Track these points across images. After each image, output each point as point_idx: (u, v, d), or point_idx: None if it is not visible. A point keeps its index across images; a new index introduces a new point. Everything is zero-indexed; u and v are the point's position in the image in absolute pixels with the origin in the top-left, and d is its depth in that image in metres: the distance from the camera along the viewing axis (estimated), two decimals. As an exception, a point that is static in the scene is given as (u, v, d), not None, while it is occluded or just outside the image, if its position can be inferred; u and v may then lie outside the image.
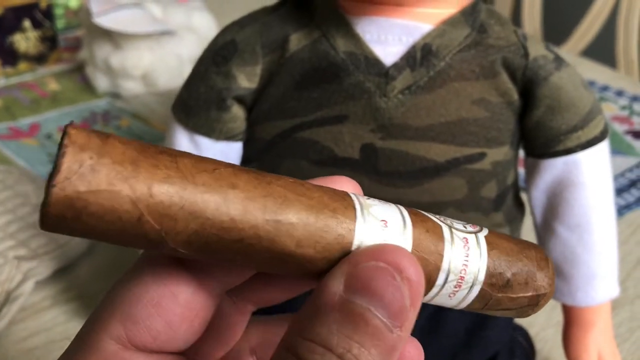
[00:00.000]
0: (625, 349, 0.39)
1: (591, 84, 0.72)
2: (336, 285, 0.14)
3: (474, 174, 0.30)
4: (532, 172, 0.32)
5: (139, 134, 0.60)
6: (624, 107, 0.68)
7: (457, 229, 0.16)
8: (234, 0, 0.85)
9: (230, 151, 0.32)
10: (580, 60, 0.79)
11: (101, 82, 0.64)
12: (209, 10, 0.69)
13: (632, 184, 0.55)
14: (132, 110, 0.63)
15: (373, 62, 0.29)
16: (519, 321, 0.38)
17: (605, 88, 0.72)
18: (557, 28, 0.88)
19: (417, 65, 0.29)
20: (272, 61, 0.30)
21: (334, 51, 0.29)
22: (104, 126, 0.60)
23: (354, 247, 0.15)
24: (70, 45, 0.75)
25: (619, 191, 0.54)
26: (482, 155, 0.30)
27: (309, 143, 0.30)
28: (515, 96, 0.30)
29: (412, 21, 0.29)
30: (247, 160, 0.33)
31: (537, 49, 0.30)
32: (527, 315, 0.18)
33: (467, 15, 0.29)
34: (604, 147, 0.31)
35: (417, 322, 0.23)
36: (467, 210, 0.30)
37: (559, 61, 0.30)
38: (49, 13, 0.69)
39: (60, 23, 0.77)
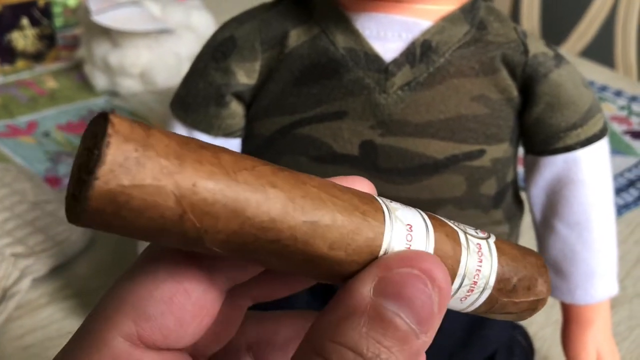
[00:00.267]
0: (624, 348, 0.39)
1: (590, 84, 0.72)
2: (366, 289, 0.14)
3: (473, 171, 0.30)
4: (531, 169, 0.32)
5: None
6: (622, 107, 0.68)
7: (470, 235, 0.17)
8: None
9: (229, 147, 0.32)
10: (578, 61, 0.79)
11: (99, 80, 0.64)
12: (207, 9, 0.69)
13: (631, 183, 0.55)
14: (130, 108, 0.63)
15: (372, 58, 0.29)
16: (518, 320, 0.38)
17: (603, 88, 0.72)
18: (555, 28, 0.88)
19: (416, 62, 0.29)
20: (271, 57, 0.30)
21: (334, 47, 0.29)
22: (102, 124, 0.60)
23: (382, 250, 0.15)
24: (68, 44, 0.74)
25: (618, 191, 0.54)
26: (481, 152, 0.30)
27: (308, 139, 0.30)
28: (514, 93, 0.30)
29: (412, 17, 0.29)
30: (246, 156, 0.33)
31: (537, 46, 0.30)
32: (524, 319, 0.18)
33: (467, 12, 0.29)
34: (603, 144, 0.31)
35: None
36: (466, 207, 0.30)
37: (558, 58, 0.30)
38: (47, 11, 0.69)
39: (58, 21, 0.77)
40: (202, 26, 0.66)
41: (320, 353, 0.14)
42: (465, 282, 0.16)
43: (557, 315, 0.36)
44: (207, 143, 0.14)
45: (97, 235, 0.46)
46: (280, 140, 0.31)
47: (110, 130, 0.12)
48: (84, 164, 0.13)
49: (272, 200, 0.14)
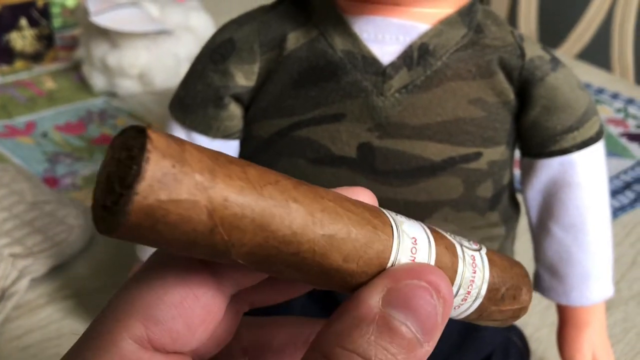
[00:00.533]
0: (619, 350, 0.39)
1: (587, 86, 0.73)
2: (375, 299, 0.15)
3: (470, 174, 0.30)
4: (527, 172, 0.32)
5: (135, 133, 0.59)
6: (619, 110, 0.68)
7: (466, 247, 0.18)
8: (231, 0, 0.85)
9: (227, 149, 0.32)
10: (575, 63, 0.79)
11: (98, 81, 0.64)
12: (206, 10, 0.69)
13: (627, 186, 0.56)
14: (129, 109, 0.63)
15: (370, 61, 0.29)
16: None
17: (600, 91, 0.72)
18: (553, 31, 0.89)
19: (414, 65, 0.29)
20: (270, 59, 0.30)
21: (332, 50, 0.29)
22: (100, 125, 0.60)
23: (389, 262, 0.16)
24: (66, 44, 0.75)
25: (614, 193, 0.54)
26: (478, 155, 0.30)
27: (306, 141, 0.30)
28: (511, 96, 0.30)
29: (409, 21, 0.29)
30: (244, 158, 0.33)
31: (533, 49, 0.30)
32: (507, 325, 0.20)
33: (464, 15, 0.30)
34: (599, 147, 0.31)
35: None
36: (463, 209, 0.31)
37: (555, 62, 0.31)
38: (45, 11, 0.69)
39: (56, 22, 0.77)
40: (201, 27, 0.67)
41: (329, 359, 0.14)
42: (460, 291, 0.17)
43: (552, 317, 0.36)
44: (234, 157, 0.14)
45: (95, 236, 0.46)
46: (278, 142, 0.31)
47: (149, 146, 0.12)
48: (118, 176, 0.13)
49: (294, 215, 0.14)
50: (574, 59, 0.82)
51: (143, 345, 0.15)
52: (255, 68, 0.30)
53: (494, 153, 0.30)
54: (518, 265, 0.19)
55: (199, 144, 0.34)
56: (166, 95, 0.63)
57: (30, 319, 0.39)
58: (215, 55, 0.31)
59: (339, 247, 0.15)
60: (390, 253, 0.16)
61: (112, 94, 0.65)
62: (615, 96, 0.71)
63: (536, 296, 0.34)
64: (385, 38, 0.29)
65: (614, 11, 0.82)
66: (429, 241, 0.16)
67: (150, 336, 0.15)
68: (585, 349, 0.33)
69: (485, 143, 0.30)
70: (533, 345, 0.38)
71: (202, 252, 0.14)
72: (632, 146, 0.62)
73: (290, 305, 0.20)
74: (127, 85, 0.64)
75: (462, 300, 0.17)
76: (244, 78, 0.31)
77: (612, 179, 0.56)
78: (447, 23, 0.29)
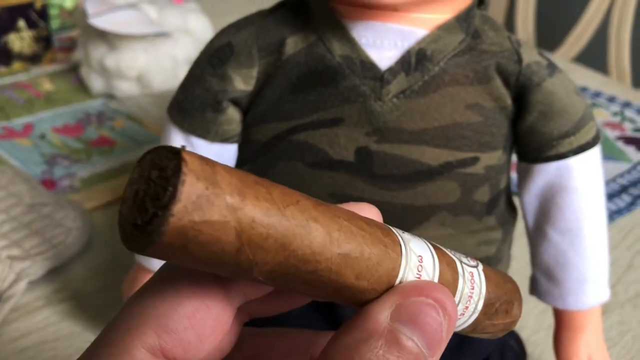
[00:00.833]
0: (615, 353, 0.39)
1: (583, 90, 0.73)
2: (384, 314, 0.16)
3: (467, 178, 0.30)
4: (524, 176, 0.33)
5: (132, 136, 0.60)
6: (615, 114, 0.69)
7: (465, 264, 0.18)
8: (230, 3, 0.85)
9: (225, 153, 0.32)
10: (572, 67, 0.79)
11: (95, 83, 0.64)
12: (204, 13, 0.69)
13: (623, 189, 0.56)
14: (127, 111, 0.63)
15: (368, 66, 0.29)
16: (511, 324, 0.38)
17: (597, 94, 0.73)
18: (550, 34, 0.89)
19: (411, 70, 0.29)
20: (269, 64, 0.30)
21: (330, 55, 0.29)
22: (98, 127, 0.60)
23: (397, 280, 0.16)
24: (64, 46, 0.75)
25: (610, 196, 0.54)
26: (475, 160, 0.30)
27: (304, 145, 0.30)
28: (508, 101, 0.30)
29: (407, 26, 0.29)
30: (242, 162, 0.33)
31: (530, 55, 0.30)
32: (496, 337, 0.20)
33: (462, 21, 0.30)
34: (595, 152, 0.32)
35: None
36: (460, 213, 0.31)
37: (552, 67, 0.31)
38: (43, 13, 0.69)
39: (54, 23, 0.77)
40: (199, 30, 0.67)
41: None
42: (460, 307, 0.18)
43: (549, 320, 0.37)
44: (258, 178, 0.15)
45: (93, 238, 0.46)
46: (276, 146, 0.31)
47: (185, 169, 0.13)
48: (150, 195, 0.13)
49: (314, 234, 0.15)
50: (571, 63, 0.82)
51: (155, 355, 0.15)
52: (254, 72, 0.31)
53: (491, 158, 0.30)
54: (510, 280, 0.20)
55: (197, 147, 0.34)
56: (164, 98, 0.63)
57: (28, 321, 0.39)
58: (213, 59, 0.31)
59: (352, 265, 0.15)
60: (399, 271, 0.16)
61: (110, 96, 0.65)
62: (611, 99, 0.72)
63: (532, 300, 0.35)
64: (383, 43, 0.29)
65: (611, 15, 0.82)
66: (434, 259, 0.17)
67: (162, 346, 0.15)
68: (581, 352, 0.33)
69: (482, 148, 0.30)
70: (529, 348, 0.39)
71: (225, 270, 0.14)
72: (629, 149, 0.62)
73: (290, 314, 0.20)
74: (125, 88, 0.64)
75: (460, 315, 0.18)
76: (242, 82, 0.31)
77: (609, 182, 0.56)
78: (444, 29, 0.29)
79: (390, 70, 0.29)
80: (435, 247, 0.18)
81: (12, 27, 0.68)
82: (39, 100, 0.65)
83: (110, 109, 0.64)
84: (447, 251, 0.18)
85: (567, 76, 0.31)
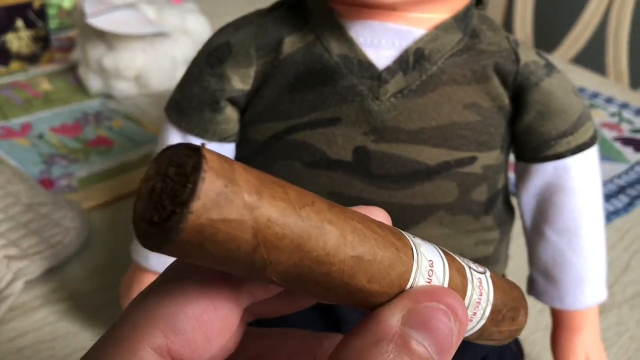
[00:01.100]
0: (612, 353, 0.39)
1: (581, 90, 0.73)
2: (395, 319, 0.16)
3: (464, 178, 0.30)
4: (522, 176, 0.33)
5: (130, 135, 0.59)
6: (613, 114, 0.69)
7: (473, 270, 0.18)
8: (228, 3, 0.85)
9: (223, 152, 0.32)
10: (570, 67, 0.79)
11: (94, 83, 0.64)
12: (202, 13, 0.69)
13: (621, 190, 0.56)
14: (125, 111, 0.63)
15: (366, 65, 0.29)
16: (508, 324, 0.38)
17: (595, 95, 0.73)
18: (548, 36, 0.89)
19: (409, 69, 0.29)
20: (266, 63, 0.30)
21: (328, 54, 0.29)
22: (96, 127, 0.60)
23: (409, 284, 0.16)
24: (62, 46, 0.74)
25: (608, 197, 0.54)
26: (473, 159, 0.30)
27: (302, 145, 0.30)
28: (506, 101, 0.30)
29: (405, 26, 0.29)
30: (240, 161, 0.33)
31: (528, 54, 0.30)
32: (503, 343, 0.20)
33: (459, 20, 0.30)
34: (593, 152, 0.32)
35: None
36: (457, 213, 0.31)
37: (549, 67, 0.31)
38: (42, 13, 0.69)
39: (53, 23, 0.77)
40: (198, 30, 0.67)
41: None
42: (468, 313, 0.18)
43: (547, 320, 0.37)
44: (275, 178, 0.15)
45: (90, 238, 0.46)
46: (274, 146, 0.31)
47: (205, 166, 0.13)
48: (167, 193, 0.13)
49: (328, 236, 0.15)
50: (569, 63, 0.82)
51: (162, 355, 0.15)
52: (252, 72, 0.31)
53: (489, 157, 0.30)
54: (517, 288, 0.20)
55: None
56: (162, 98, 0.63)
57: (25, 321, 0.39)
58: (211, 58, 0.31)
59: (365, 268, 0.15)
60: (410, 275, 0.16)
61: (108, 96, 0.65)
62: (609, 100, 0.72)
63: (530, 299, 0.34)
64: (381, 43, 0.29)
65: (608, 16, 0.83)
66: (444, 264, 0.17)
67: (170, 346, 0.15)
68: (578, 352, 0.33)
69: (480, 147, 0.30)
70: (527, 348, 0.39)
71: (239, 269, 0.14)
72: (626, 150, 0.62)
73: (292, 314, 0.20)
74: (123, 87, 0.64)
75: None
76: (240, 82, 0.31)
77: (606, 183, 0.56)
78: (442, 28, 0.29)
79: (388, 69, 0.29)
80: (445, 253, 0.18)
81: (10, 26, 0.68)
82: (37, 100, 0.65)
83: (108, 108, 0.63)
84: (457, 257, 0.18)
85: (565, 76, 0.31)
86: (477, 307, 0.18)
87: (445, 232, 0.31)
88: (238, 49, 0.31)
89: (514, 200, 0.34)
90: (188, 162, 0.13)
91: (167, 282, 0.16)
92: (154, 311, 0.16)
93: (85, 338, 0.38)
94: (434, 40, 0.29)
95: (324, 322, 0.32)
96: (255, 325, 0.19)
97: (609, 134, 0.65)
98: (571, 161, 0.31)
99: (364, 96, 0.29)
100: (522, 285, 0.34)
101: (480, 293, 0.18)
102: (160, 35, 0.62)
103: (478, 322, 0.18)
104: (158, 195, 0.13)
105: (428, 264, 0.17)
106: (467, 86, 0.29)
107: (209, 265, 0.14)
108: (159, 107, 0.63)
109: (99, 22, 0.59)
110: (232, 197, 0.13)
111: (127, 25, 0.60)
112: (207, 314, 0.16)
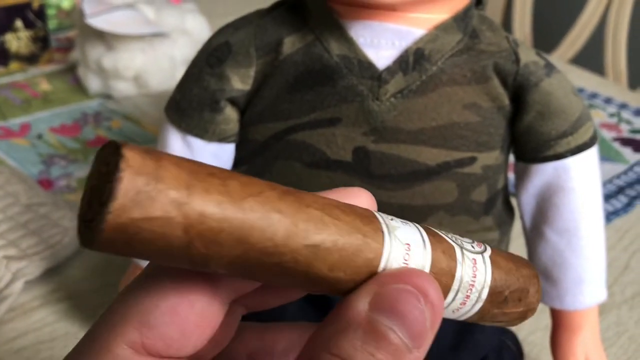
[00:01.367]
0: (612, 353, 0.39)
1: (580, 91, 0.73)
2: (362, 304, 0.15)
3: (464, 178, 0.30)
4: (522, 176, 0.33)
5: (130, 136, 0.59)
6: (612, 115, 0.69)
7: (467, 250, 0.17)
8: (227, 3, 0.85)
9: (223, 152, 0.32)
10: (569, 68, 0.79)
11: (93, 83, 0.64)
12: (202, 13, 0.69)
13: (620, 190, 0.56)
14: (124, 111, 0.63)
15: (366, 65, 0.29)
16: (508, 325, 0.38)
17: (594, 95, 0.73)
18: (547, 36, 0.89)
19: (409, 70, 0.29)
20: (266, 63, 0.30)
21: (328, 54, 0.29)
22: (95, 127, 0.60)
23: (379, 269, 0.16)
24: (62, 46, 0.74)
25: (607, 197, 0.54)
26: (472, 160, 0.30)
27: (302, 145, 0.30)
28: (506, 101, 0.30)
29: (405, 26, 0.29)
30: (240, 161, 0.33)
31: (528, 55, 0.30)
32: (514, 325, 0.19)
33: (459, 20, 0.30)
34: (593, 153, 0.32)
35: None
36: (457, 213, 0.31)
37: (549, 67, 0.31)
38: (41, 13, 0.69)
39: (52, 23, 0.77)
40: (197, 30, 0.67)
41: None
42: (459, 296, 0.17)
43: (546, 320, 0.37)
44: (216, 169, 0.14)
45: (89, 238, 0.46)
46: (274, 146, 0.31)
47: (122, 165, 0.13)
48: (97, 191, 0.13)
49: (276, 226, 0.14)
50: (567, 64, 0.82)
51: (137, 351, 0.15)
52: (251, 72, 0.31)
53: (489, 158, 0.30)
54: (526, 266, 0.19)
55: (195, 147, 0.34)
56: (161, 98, 0.63)
57: (24, 321, 0.39)
58: (211, 58, 0.31)
59: (324, 257, 0.15)
60: (380, 260, 0.15)
61: (107, 96, 0.65)
62: (608, 101, 0.72)
63: (530, 300, 0.35)
64: (381, 43, 0.29)
65: (607, 16, 0.83)
66: (425, 246, 0.16)
67: (144, 341, 0.15)
68: (578, 352, 0.33)
69: (479, 148, 0.30)
70: (527, 348, 0.39)
71: (181, 263, 0.14)
72: (626, 151, 0.62)
73: (288, 306, 0.20)
74: (123, 88, 0.64)
75: (460, 304, 0.17)
76: (240, 82, 0.31)
77: (606, 183, 0.56)
78: (442, 28, 0.29)
79: (388, 69, 0.29)
80: (430, 234, 0.17)
81: (9, 27, 0.67)
82: (36, 100, 0.65)
83: (107, 109, 0.63)
84: (447, 237, 0.17)
85: (565, 76, 0.31)
86: (471, 289, 0.17)
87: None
88: (238, 49, 0.31)
89: (513, 201, 0.34)
90: (112, 160, 0.13)
91: (144, 279, 0.16)
92: (130, 308, 0.16)
93: (84, 338, 0.38)
94: (433, 41, 0.29)
95: (319, 315, 0.32)
96: (255, 320, 0.19)
97: (608, 135, 0.65)
98: (571, 161, 0.31)
99: (364, 96, 0.29)
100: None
101: (474, 275, 0.17)
102: (159, 35, 0.62)
103: (474, 304, 0.17)
104: (89, 195, 0.13)
105: (404, 248, 0.16)
106: (467, 86, 0.29)
107: (150, 260, 0.14)
108: (158, 108, 0.63)
109: (98, 22, 0.59)
110: (155, 194, 0.13)
111: (126, 26, 0.60)
112: (180, 308, 0.16)
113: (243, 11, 0.33)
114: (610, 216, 0.52)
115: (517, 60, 0.30)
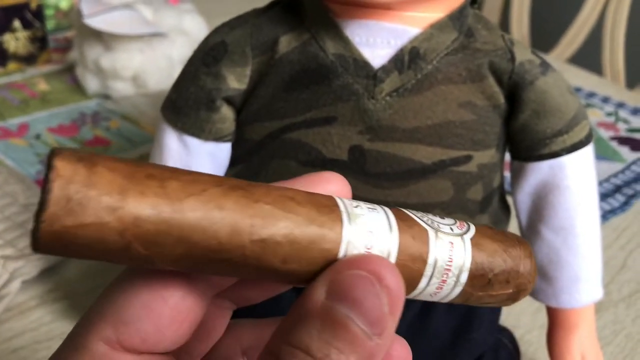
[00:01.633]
0: (608, 352, 0.39)
1: (578, 90, 0.73)
2: (319, 292, 0.15)
3: (460, 176, 0.30)
4: (517, 175, 0.33)
5: (128, 136, 0.59)
6: (609, 114, 0.69)
7: (443, 232, 0.17)
8: (225, 3, 0.85)
9: (219, 151, 0.32)
10: (567, 67, 0.80)
11: (91, 83, 0.64)
12: (199, 13, 0.69)
13: (617, 189, 0.56)
14: (122, 111, 0.63)
15: (362, 64, 0.29)
16: (504, 323, 0.38)
17: (591, 95, 0.73)
18: (545, 35, 0.89)
19: (404, 68, 0.29)
20: (262, 62, 0.30)
21: (323, 53, 0.29)
22: (93, 127, 0.60)
23: (339, 257, 0.15)
24: (60, 46, 0.74)
25: (604, 196, 0.55)
26: (468, 158, 0.30)
27: (297, 144, 0.30)
28: (501, 100, 0.30)
29: (401, 25, 0.29)
30: (236, 160, 0.33)
31: (523, 53, 0.30)
32: (507, 305, 0.19)
33: (455, 19, 0.30)
34: (588, 151, 0.32)
35: (403, 321, 0.23)
36: (453, 211, 0.31)
37: (545, 66, 0.31)
38: (39, 13, 0.69)
39: (50, 24, 0.77)
40: (195, 30, 0.67)
41: (276, 355, 0.14)
42: (433, 280, 0.16)
43: (543, 319, 0.37)
44: (157, 169, 0.14)
45: (87, 238, 0.46)
46: (270, 145, 0.31)
47: (52, 175, 0.13)
48: (40, 200, 0.13)
49: (219, 224, 0.14)
50: (565, 63, 0.83)
51: (113, 347, 0.16)
52: (247, 71, 0.31)
53: (484, 156, 0.31)
54: (517, 245, 0.18)
55: (191, 146, 0.34)
56: (159, 98, 0.63)
57: (21, 321, 0.39)
58: (207, 57, 0.31)
59: (274, 250, 0.15)
60: (339, 250, 0.15)
61: (105, 96, 0.65)
62: (606, 100, 0.72)
63: (526, 298, 0.34)
64: (376, 42, 0.29)
65: (605, 15, 0.83)
66: (390, 231, 0.16)
67: (119, 337, 0.16)
68: (574, 351, 0.34)
69: (475, 146, 0.30)
70: (523, 347, 0.39)
71: (126, 263, 0.14)
72: (623, 150, 0.62)
73: (279, 301, 0.20)
74: (121, 88, 0.64)
75: (437, 289, 0.17)
76: (236, 81, 0.31)
77: (603, 182, 0.56)
78: (437, 27, 0.29)
79: (384, 68, 0.29)
80: (400, 217, 0.16)
81: (7, 27, 0.68)
82: (34, 100, 0.65)
83: (105, 109, 0.63)
84: (421, 220, 0.17)
85: (561, 75, 0.31)
86: (447, 273, 0.16)
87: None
88: (234, 48, 0.31)
89: (509, 199, 0.34)
90: (48, 169, 0.13)
91: (123, 276, 0.17)
92: (106, 305, 0.16)
93: (81, 338, 0.38)
94: (429, 39, 0.29)
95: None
96: (250, 315, 0.19)
97: (605, 134, 0.65)
98: (566, 160, 0.31)
99: (360, 95, 0.29)
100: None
101: (450, 259, 0.16)
102: (157, 35, 0.63)
103: (452, 289, 0.17)
104: (40, 202, 0.14)
105: (367, 235, 0.15)
106: (462, 85, 0.29)
107: (96, 260, 0.14)
108: (157, 108, 0.62)
109: (96, 22, 0.59)
110: (87, 202, 0.13)
111: (125, 26, 0.60)
112: (154, 303, 0.16)
113: (241, 11, 0.33)
114: (607, 215, 0.52)
115: (512, 58, 0.30)
